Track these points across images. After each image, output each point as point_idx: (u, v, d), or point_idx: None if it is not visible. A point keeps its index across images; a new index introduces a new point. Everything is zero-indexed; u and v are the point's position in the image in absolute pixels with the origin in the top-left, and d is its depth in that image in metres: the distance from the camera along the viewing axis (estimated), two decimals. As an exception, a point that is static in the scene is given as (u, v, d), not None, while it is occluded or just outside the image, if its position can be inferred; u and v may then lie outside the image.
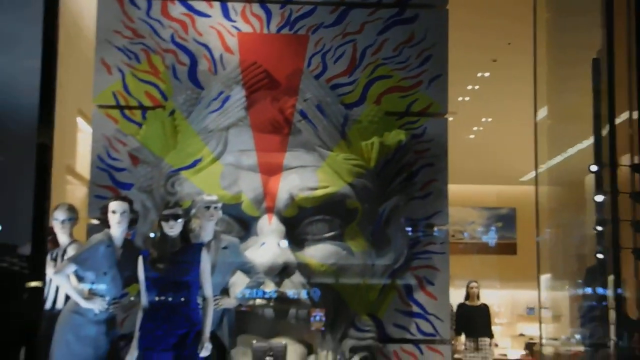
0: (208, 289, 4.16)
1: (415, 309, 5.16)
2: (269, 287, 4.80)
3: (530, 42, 6.33)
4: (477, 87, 8.49)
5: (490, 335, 8.17)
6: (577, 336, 6.50)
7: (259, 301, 4.83)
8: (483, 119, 9.82)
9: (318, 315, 4.88)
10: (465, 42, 5.80)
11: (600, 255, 5.49)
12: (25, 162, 4.64)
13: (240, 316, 4.80)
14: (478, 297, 8.27)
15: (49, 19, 4.87)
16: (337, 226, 5.01)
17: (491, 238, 12.96)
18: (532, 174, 11.69)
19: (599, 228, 5.48)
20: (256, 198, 4.95)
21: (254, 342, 4.81)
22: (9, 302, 4.71)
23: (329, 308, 4.96)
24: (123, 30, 5.33)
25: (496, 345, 9.59)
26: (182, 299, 4.07)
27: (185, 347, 4.02)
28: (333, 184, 4.99)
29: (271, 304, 4.85)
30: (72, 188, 6.14)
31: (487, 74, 8.25)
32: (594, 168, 5.46)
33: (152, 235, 4.27)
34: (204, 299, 4.16)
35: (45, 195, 4.59)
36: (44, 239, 4.58)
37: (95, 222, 4.87)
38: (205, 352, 4.05)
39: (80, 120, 6.35)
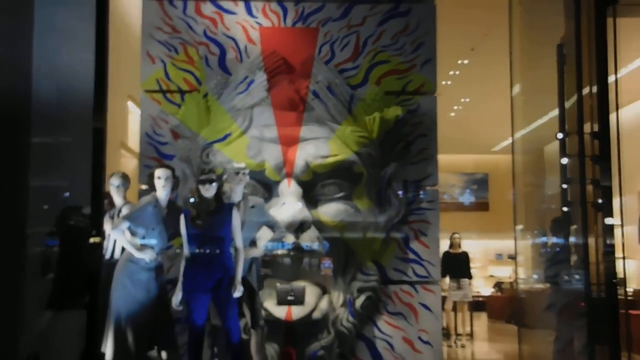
0: (239, 241, 4.06)
1: (412, 256, 5.03)
2: (289, 240, 4.69)
3: (502, 34, 6.07)
4: (457, 72, 8.23)
5: (470, 277, 8.09)
6: (539, 276, 6.32)
7: (281, 251, 4.73)
8: (462, 100, 9.58)
9: (327, 263, 4.78)
10: (448, 33, 5.60)
11: (565, 209, 5.32)
12: (84, 141, 4.49)
13: (266, 264, 4.70)
14: (459, 246, 8.18)
15: (100, 17, 4.66)
16: (345, 188, 4.85)
17: (467, 198, 12.87)
18: (503, 145, 11.50)
19: (564, 186, 5.30)
20: (277, 165, 4.80)
21: (278, 284, 4.71)
22: (77, 253, 4.62)
23: (339, 257, 4.85)
24: (163, 27, 5.15)
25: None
26: (217, 250, 3.98)
27: (221, 289, 3.95)
28: (342, 153, 4.83)
29: (291, 253, 4.73)
30: (125, 160, 6.06)
31: (466, 61, 8.00)
32: (560, 135, 5.26)
33: (191, 197, 4.15)
34: (236, 250, 4.07)
35: (101, 167, 4.45)
36: (102, 201, 4.45)
37: (144, 187, 4.74)
38: (237, 293, 3.97)
39: (130, 104, 6.23)
